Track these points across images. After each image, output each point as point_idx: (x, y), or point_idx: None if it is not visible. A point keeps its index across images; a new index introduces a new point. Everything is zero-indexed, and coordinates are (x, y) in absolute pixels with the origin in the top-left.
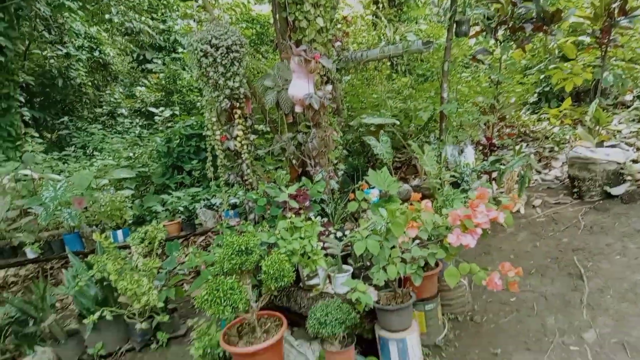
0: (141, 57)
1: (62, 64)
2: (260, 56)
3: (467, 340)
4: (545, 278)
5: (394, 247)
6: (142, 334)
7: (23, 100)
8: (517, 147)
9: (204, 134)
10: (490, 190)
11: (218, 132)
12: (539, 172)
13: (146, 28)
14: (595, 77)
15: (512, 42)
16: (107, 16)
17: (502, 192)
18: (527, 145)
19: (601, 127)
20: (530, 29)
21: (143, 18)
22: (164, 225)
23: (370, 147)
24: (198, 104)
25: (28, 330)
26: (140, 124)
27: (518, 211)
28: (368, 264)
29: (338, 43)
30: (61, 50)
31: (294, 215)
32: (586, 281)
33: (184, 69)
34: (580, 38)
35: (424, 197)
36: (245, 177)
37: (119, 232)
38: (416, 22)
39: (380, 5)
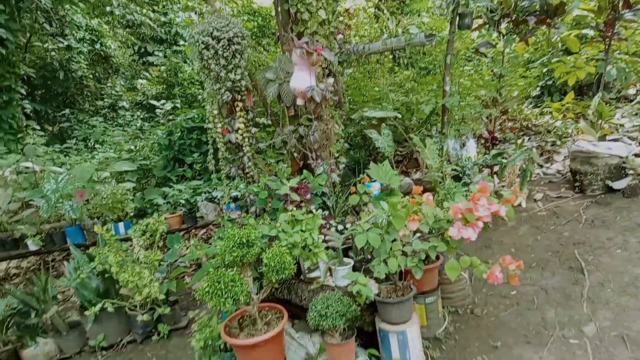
0: (142, 50)
1: (64, 56)
2: (262, 49)
3: (467, 333)
4: (545, 271)
5: (395, 240)
6: (143, 325)
7: (24, 92)
8: (519, 141)
9: (205, 126)
10: (492, 184)
11: (219, 125)
12: (540, 166)
13: (147, 20)
14: (598, 71)
15: (515, 35)
16: (108, 8)
17: (503, 186)
18: (529, 139)
19: (604, 121)
20: (534, 21)
21: (144, 10)
22: (165, 218)
23: (371, 140)
24: (199, 96)
25: (30, 322)
26: (141, 116)
27: (519, 205)
28: (369, 257)
29: (340, 36)
30: (62, 43)
31: (295, 208)
32: (587, 275)
33: (185, 62)
34: (584, 31)
35: (425, 191)
36: (247, 170)
37: (121, 225)
38: (419, 15)
39: None
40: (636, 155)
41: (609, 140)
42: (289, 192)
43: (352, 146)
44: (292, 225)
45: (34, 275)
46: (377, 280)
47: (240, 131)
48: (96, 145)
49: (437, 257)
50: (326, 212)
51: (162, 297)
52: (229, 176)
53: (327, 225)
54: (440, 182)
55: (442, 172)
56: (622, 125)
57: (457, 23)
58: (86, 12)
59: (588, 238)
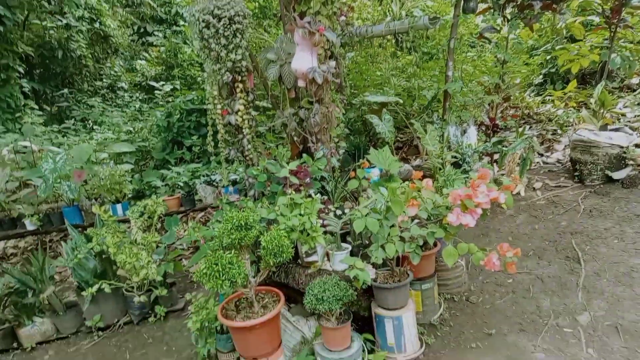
0: (142, 30)
1: (62, 35)
2: (263, 30)
3: (462, 320)
4: (542, 260)
5: (393, 225)
6: (140, 307)
7: (22, 71)
8: (520, 129)
9: (204, 108)
10: (492, 171)
11: (219, 106)
12: (541, 155)
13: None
14: (602, 59)
15: (520, 21)
16: None
17: (503, 174)
18: (530, 127)
19: (606, 110)
20: (539, 6)
21: None
22: (163, 200)
23: (372, 126)
24: (199, 78)
25: (27, 301)
26: (140, 98)
27: (518, 193)
28: (367, 242)
29: (342, 17)
30: (61, 21)
31: (294, 192)
32: (583, 264)
33: (185, 43)
34: (589, 18)
35: (425, 177)
36: (246, 153)
37: (118, 206)
38: None
39: None
40: (637, 145)
41: (610, 130)
42: (288, 176)
43: (352, 131)
44: (290, 208)
45: (32, 255)
46: (374, 265)
47: (240, 113)
48: (94, 126)
49: (435, 244)
50: (325, 197)
51: (159, 278)
52: (228, 159)
53: (326, 210)
54: (440, 169)
55: (442, 159)
56: (623, 115)
57: (461, 6)
58: None
59: (585, 228)
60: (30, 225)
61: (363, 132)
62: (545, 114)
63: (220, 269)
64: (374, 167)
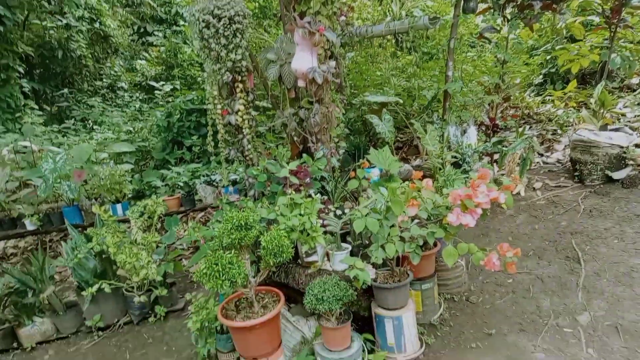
0: (142, 30)
1: (62, 35)
2: (263, 30)
3: (462, 320)
4: (542, 260)
5: (393, 225)
6: (140, 307)
7: (22, 71)
8: (520, 129)
9: (204, 108)
10: (491, 172)
11: (219, 106)
12: (540, 155)
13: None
14: (602, 59)
15: (520, 21)
16: None
17: (503, 174)
18: (530, 127)
19: (606, 110)
20: (539, 6)
21: None
22: (163, 200)
23: (372, 126)
24: (199, 78)
25: (27, 301)
26: (140, 98)
27: (518, 193)
28: (367, 242)
29: (342, 17)
30: (61, 21)
31: (294, 192)
32: (583, 264)
33: (185, 43)
34: (590, 18)
35: (424, 177)
36: (246, 153)
37: (118, 206)
38: None
39: None
40: (637, 145)
41: (610, 130)
42: (288, 176)
43: (352, 131)
44: (290, 208)
45: (32, 255)
46: (374, 265)
47: (240, 113)
48: (94, 126)
49: (435, 244)
50: (325, 197)
51: (159, 278)
52: (228, 159)
53: (326, 210)
54: (440, 169)
55: (442, 159)
56: (623, 115)
57: (461, 6)
58: None
59: (585, 228)
60: (30, 225)
61: (363, 132)
62: (545, 114)
63: (220, 269)
64: (374, 167)
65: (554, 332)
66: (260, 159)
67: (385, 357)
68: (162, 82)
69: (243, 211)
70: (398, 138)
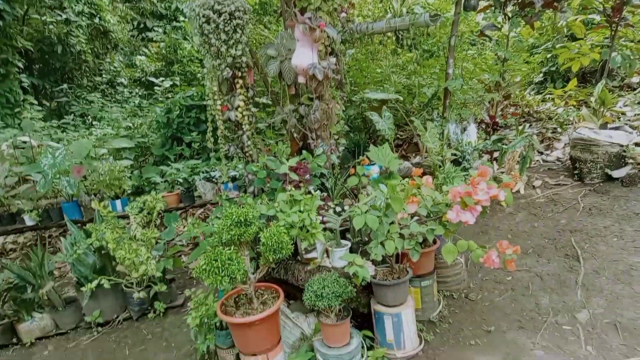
0: (141, 25)
1: (62, 30)
2: (263, 27)
3: (461, 317)
4: (541, 258)
5: (392, 222)
6: (139, 303)
7: (22, 66)
8: (520, 127)
9: (204, 104)
10: (491, 169)
11: (219, 102)
12: (540, 153)
13: None
14: (602, 58)
15: (521, 19)
16: None
17: (502, 172)
18: (530, 125)
19: (606, 109)
20: (540, 4)
21: None
22: (162, 196)
23: (372, 123)
24: (199, 74)
25: (26, 297)
26: (139, 93)
27: (518, 191)
28: (366, 239)
29: (343, 14)
30: (60, 16)
31: (293, 189)
32: (582, 262)
33: (184, 39)
34: (590, 16)
35: (424, 174)
36: (246, 149)
37: (118, 202)
38: None
39: None
40: (636, 144)
41: (610, 129)
42: (287, 172)
43: (352, 129)
44: (290, 205)
45: (31, 250)
46: (374, 262)
47: (240, 109)
48: (94, 122)
49: (434, 241)
50: (324, 194)
51: (158, 274)
52: (228, 155)
53: (325, 207)
54: (440, 166)
55: (442, 156)
56: (623, 114)
57: (462, 4)
58: None
59: (585, 226)
60: (29, 220)
61: (363, 130)
62: (545, 112)
63: (220, 265)
64: (373, 164)
65: (553, 330)
66: (260, 155)
67: (384, 354)
68: (161, 78)
69: (242, 207)
70: (398, 135)
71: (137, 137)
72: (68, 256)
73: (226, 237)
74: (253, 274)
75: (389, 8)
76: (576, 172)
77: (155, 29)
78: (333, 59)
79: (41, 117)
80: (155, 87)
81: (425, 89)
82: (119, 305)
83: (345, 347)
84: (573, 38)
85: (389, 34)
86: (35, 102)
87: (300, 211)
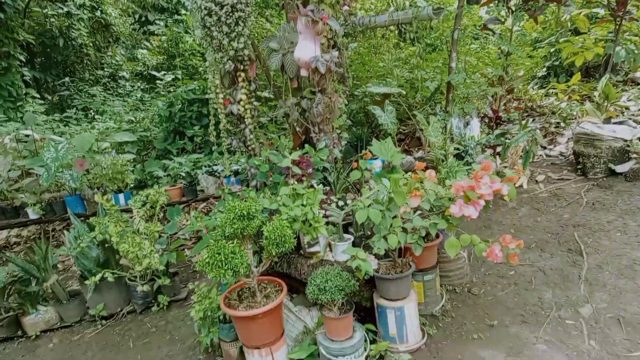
0: (143, 19)
1: (63, 23)
2: (265, 20)
3: (464, 312)
4: (544, 253)
5: (395, 216)
6: (143, 296)
7: (24, 59)
8: (523, 122)
9: (206, 98)
10: (494, 164)
11: (221, 96)
12: (543, 148)
13: None
14: (606, 52)
15: (524, 12)
16: None
17: (505, 167)
18: (534, 120)
19: (609, 103)
20: None
21: None
22: (165, 190)
23: (374, 117)
24: (200, 68)
25: (31, 290)
26: (141, 87)
27: (521, 186)
28: (369, 233)
29: (346, 7)
30: (62, 9)
31: (296, 182)
32: (585, 257)
33: (186, 32)
34: (594, 10)
35: (427, 169)
36: (248, 143)
37: (121, 196)
38: None
39: None
40: None
41: (613, 123)
42: (290, 166)
43: (355, 122)
44: (293, 199)
45: (35, 243)
46: (377, 256)
47: (242, 102)
48: (96, 116)
49: (437, 235)
50: (327, 188)
51: (162, 268)
52: (230, 149)
53: (328, 201)
54: (442, 160)
55: (444, 151)
56: (627, 108)
57: None
58: None
59: (588, 221)
60: (32, 214)
61: (365, 124)
62: (548, 107)
63: (223, 259)
64: (376, 158)
65: (556, 324)
66: (262, 149)
67: (387, 348)
68: (163, 72)
69: (245, 201)
70: (400, 130)
71: (139, 131)
72: (72, 249)
73: (229, 230)
74: (256, 267)
75: (392, 1)
76: (579, 166)
77: (157, 22)
78: (335, 52)
79: (43, 111)
80: (157, 81)
81: (428, 83)
82: (123, 298)
83: (348, 341)
84: (577, 32)
85: (392, 27)
86: (38, 95)
87: (302, 205)
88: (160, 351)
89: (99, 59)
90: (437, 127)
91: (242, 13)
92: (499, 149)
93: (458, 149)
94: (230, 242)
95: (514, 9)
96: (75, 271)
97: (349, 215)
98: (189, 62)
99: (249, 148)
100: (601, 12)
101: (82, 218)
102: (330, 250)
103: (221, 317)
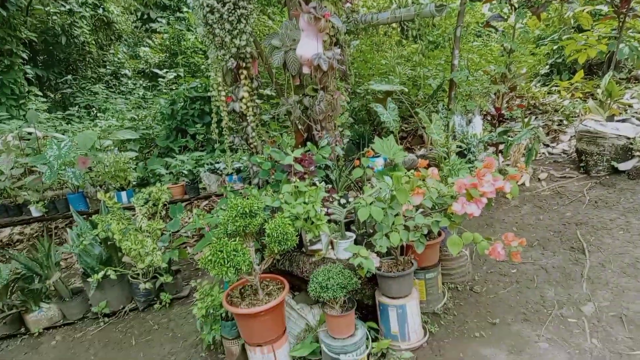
0: (145, 16)
1: (66, 21)
2: (267, 18)
3: (466, 309)
4: (547, 251)
5: (397, 214)
6: (145, 294)
7: (26, 57)
8: (526, 120)
9: (208, 95)
10: (497, 162)
11: (223, 93)
12: (546, 146)
13: None
14: (610, 49)
15: (527, 9)
16: None
17: (508, 165)
18: (536, 117)
19: (612, 101)
20: None
21: None
22: (167, 188)
23: (376, 115)
24: (202, 66)
25: (34, 287)
26: (143, 85)
27: (523, 184)
28: (371, 231)
29: (348, 4)
30: (64, 7)
31: (298, 180)
32: (588, 255)
33: (188, 30)
34: (598, 7)
35: (429, 166)
36: (250, 141)
37: (123, 194)
38: None
39: None
40: None
41: (616, 121)
42: (292, 164)
43: (357, 120)
44: (295, 196)
45: (37, 241)
46: (379, 254)
47: (244, 100)
48: (98, 113)
49: (439, 233)
50: (329, 186)
51: (164, 266)
52: (232, 147)
53: (330, 199)
54: (445, 158)
55: (447, 148)
56: (630, 106)
57: None
58: None
59: (591, 219)
60: (35, 211)
61: (367, 121)
62: (551, 105)
63: (225, 256)
64: (378, 156)
65: (558, 322)
66: (264, 147)
67: (389, 345)
68: (165, 70)
69: (247, 199)
70: (403, 127)
71: (141, 128)
72: (74, 247)
73: (231, 228)
74: (258, 265)
75: None
76: (582, 164)
77: (159, 19)
78: (338, 50)
79: (46, 109)
80: (159, 79)
81: (430, 80)
82: (125, 296)
83: (350, 339)
84: (580, 29)
85: (394, 24)
86: (40, 93)
87: (305, 203)
88: (162, 349)
89: (101, 57)
90: (439, 124)
91: (244, 10)
92: (501, 146)
93: (460, 146)
94: (233, 239)
95: (516, 6)
96: (77, 269)
97: (351, 213)
98: (191, 60)
99: (251, 146)
100: (604, 9)
101: (85, 216)
102: (332, 248)
103: (223, 315)
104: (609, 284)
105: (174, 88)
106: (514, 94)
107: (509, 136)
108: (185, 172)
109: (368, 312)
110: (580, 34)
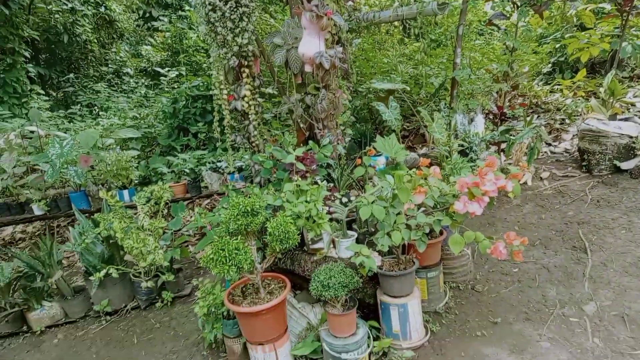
0: (147, 15)
1: (68, 19)
2: (269, 16)
3: (467, 308)
4: (548, 250)
5: (399, 213)
6: (147, 292)
7: (28, 56)
8: (528, 118)
9: (210, 94)
10: (499, 160)
11: (225, 92)
12: (548, 145)
13: None
14: (613, 48)
15: (530, 8)
16: None
17: (510, 163)
18: (538, 116)
19: (615, 100)
20: None
21: None
22: (169, 187)
23: (378, 113)
24: (204, 64)
25: (36, 285)
26: (145, 83)
27: (525, 183)
28: (373, 229)
29: (350, 2)
30: (66, 5)
31: (300, 179)
32: (590, 254)
33: (190, 28)
34: (601, 5)
35: (431, 165)
36: (252, 139)
37: (125, 192)
38: None
39: None
40: None
41: (619, 120)
42: (294, 162)
43: (359, 119)
44: (296, 195)
45: (40, 239)
46: (380, 253)
47: (246, 98)
48: (100, 112)
49: (441, 232)
50: (331, 184)
51: (166, 264)
52: (234, 146)
53: (332, 197)
54: (447, 157)
55: (449, 147)
56: (633, 105)
57: None
58: None
59: (593, 218)
60: (37, 210)
61: (369, 120)
62: (553, 103)
63: (227, 255)
64: (380, 154)
65: (560, 322)
66: (266, 145)
67: (390, 344)
68: (167, 68)
69: (249, 197)
70: (404, 126)
71: (143, 127)
72: (76, 245)
73: (233, 227)
74: (260, 263)
75: None
76: (584, 163)
77: (161, 18)
78: (340, 48)
79: (48, 107)
80: (161, 77)
81: (432, 79)
82: (127, 294)
83: (352, 337)
84: (582, 28)
85: (396, 23)
86: (42, 92)
87: (306, 201)
88: (164, 347)
89: (103, 55)
90: (441, 123)
91: (246, 8)
92: (503, 145)
93: (462, 145)
94: (234, 238)
95: (519, 4)
96: (79, 267)
97: (353, 212)
98: (193, 59)
99: (253, 144)
100: (607, 7)
101: (87, 214)
102: (334, 246)
103: (225, 313)
104: (611, 284)
105: (176, 87)
106: (516, 93)
107: (511, 135)
108: (187, 170)
109: (369, 311)
110: (583, 33)
